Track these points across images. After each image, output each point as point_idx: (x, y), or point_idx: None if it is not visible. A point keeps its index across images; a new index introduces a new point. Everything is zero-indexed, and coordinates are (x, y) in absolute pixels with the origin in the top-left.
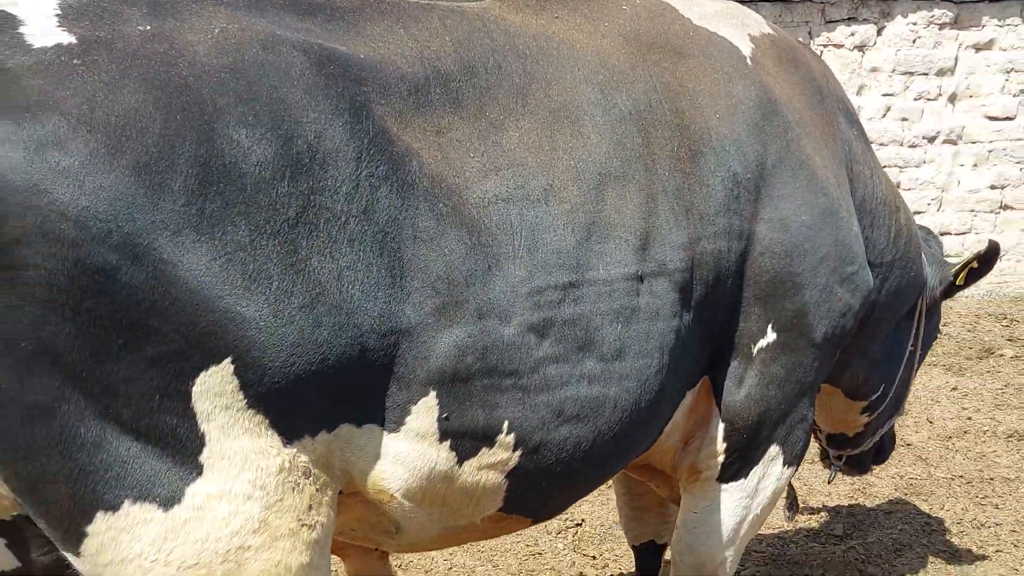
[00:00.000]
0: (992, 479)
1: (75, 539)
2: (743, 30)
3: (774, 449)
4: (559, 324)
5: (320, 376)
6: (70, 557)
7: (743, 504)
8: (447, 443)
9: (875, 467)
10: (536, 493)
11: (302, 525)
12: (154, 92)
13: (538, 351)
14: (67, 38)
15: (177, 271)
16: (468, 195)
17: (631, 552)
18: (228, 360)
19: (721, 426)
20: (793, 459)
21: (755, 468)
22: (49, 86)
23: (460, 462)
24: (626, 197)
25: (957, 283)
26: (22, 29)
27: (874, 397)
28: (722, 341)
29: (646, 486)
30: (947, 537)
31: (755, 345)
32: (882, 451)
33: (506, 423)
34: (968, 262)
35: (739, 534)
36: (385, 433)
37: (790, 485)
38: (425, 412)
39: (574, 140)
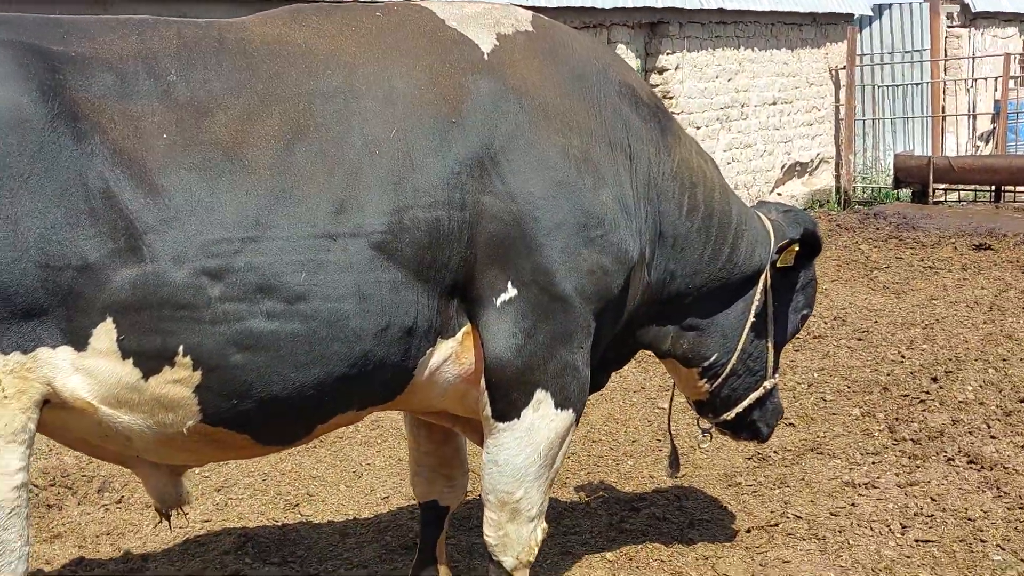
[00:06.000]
0: None
1: None
2: (493, 29)
3: (540, 393)
4: (235, 270)
5: (5, 304)
6: None
7: (523, 442)
8: (130, 360)
9: (755, 440)
10: (234, 410)
11: None
12: None
13: (212, 291)
14: None
15: None
16: (152, 164)
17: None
18: None
19: (484, 369)
20: (565, 402)
21: (525, 410)
22: None
23: (145, 377)
24: (322, 171)
25: (779, 264)
26: None
27: (705, 364)
28: (469, 296)
29: (434, 445)
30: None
31: (497, 299)
32: (758, 429)
33: (181, 347)
34: (786, 245)
35: (528, 471)
36: (75, 352)
37: (671, 444)
38: (104, 334)
39: (281, 124)
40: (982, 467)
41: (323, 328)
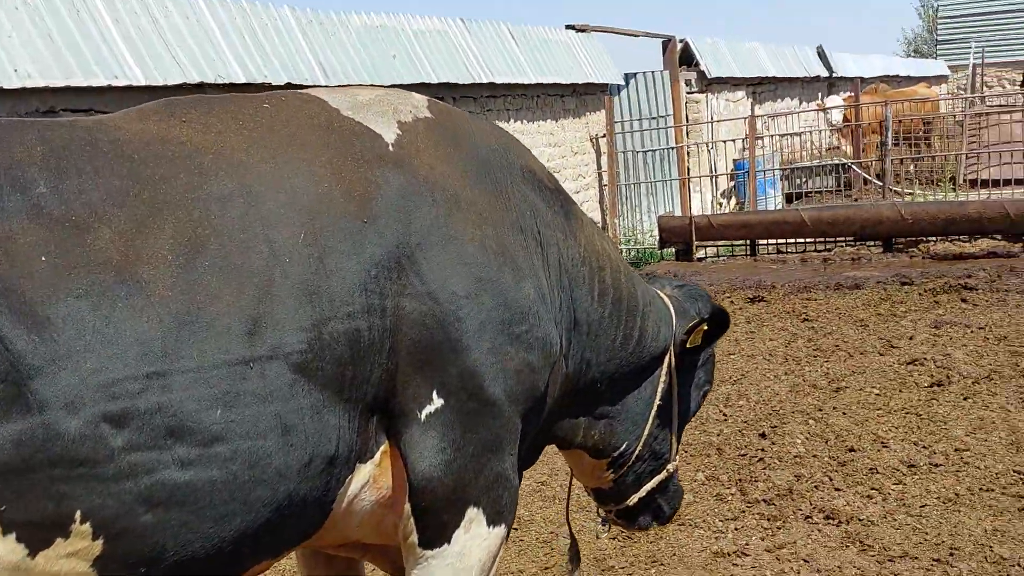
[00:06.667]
0: None
1: None
2: (393, 117)
3: (472, 511)
4: (141, 413)
5: None
6: None
7: (454, 569)
8: (12, 535)
9: (655, 523)
10: None
11: None
12: None
13: (115, 440)
14: None
15: None
16: (33, 294)
17: None
18: None
19: (409, 492)
20: (497, 518)
21: (456, 532)
22: None
23: (32, 554)
24: (230, 286)
25: (689, 344)
26: None
27: (616, 454)
28: (390, 411)
29: (332, 574)
30: None
31: (422, 411)
32: (660, 510)
33: (79, 512)
34: (696, 325)
35: None
36: None
37: (572, 539)
38: None
39: (176, 235)
40: (840, 522)
41: (244, 471)
